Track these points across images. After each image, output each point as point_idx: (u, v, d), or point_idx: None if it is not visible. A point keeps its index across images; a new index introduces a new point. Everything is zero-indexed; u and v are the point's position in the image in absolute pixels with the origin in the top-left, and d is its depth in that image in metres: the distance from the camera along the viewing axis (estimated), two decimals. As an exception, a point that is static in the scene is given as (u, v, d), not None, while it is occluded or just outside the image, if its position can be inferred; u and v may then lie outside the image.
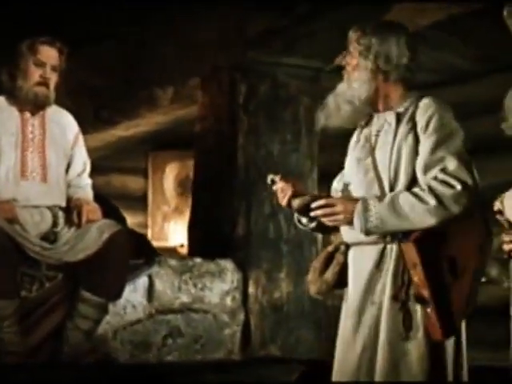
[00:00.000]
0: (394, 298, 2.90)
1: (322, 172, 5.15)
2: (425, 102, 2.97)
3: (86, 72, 5.60)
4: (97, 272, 4.14)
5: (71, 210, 4.32)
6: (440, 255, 2.86)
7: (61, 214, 4.32)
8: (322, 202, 2.98)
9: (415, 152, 2.94)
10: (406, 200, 2.87)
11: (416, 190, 2.89)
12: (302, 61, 5.03)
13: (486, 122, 6.70)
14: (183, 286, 4.73)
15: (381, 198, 2.91)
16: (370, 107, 3.07)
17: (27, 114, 4.34)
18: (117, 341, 4.51)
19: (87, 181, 4.52)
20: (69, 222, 4.30)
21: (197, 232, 5.24)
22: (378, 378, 2.93)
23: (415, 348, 2.89)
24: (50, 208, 4.30)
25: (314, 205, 2.98)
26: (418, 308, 2.88)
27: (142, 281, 4.59)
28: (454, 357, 2.95)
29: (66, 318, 4.20)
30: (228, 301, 4.88)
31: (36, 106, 4.32)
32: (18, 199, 4.21)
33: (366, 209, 2.89)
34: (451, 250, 2.87)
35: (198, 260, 4.84)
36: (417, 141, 2.95)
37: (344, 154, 3.22)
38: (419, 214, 2.85)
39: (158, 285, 4.65)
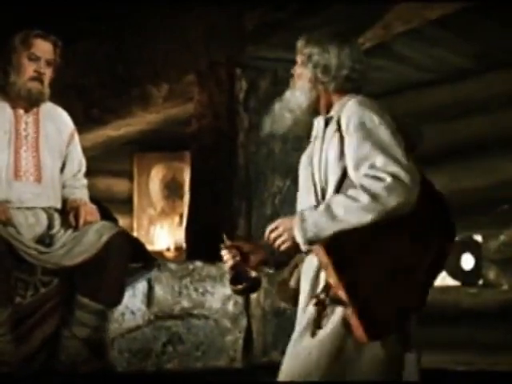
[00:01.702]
0: (314, 297, 2.89)
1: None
2: (348, 104, 2.97)
3: (75, 70, 5.38)
4: (95, 276, 3.94)
5: (67, 212, 4.12)
6: (370, 254, 2.80)
7: (56, 216, 4.12)
8: (266, 232, 2.99)
9: (341, 153, 2.93)
10: (339, 202, 2.84)
11: (350, 191, 2.85)
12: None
13: (483, 121, 6.64)
14: (184, 290, 4.54)
15: (316, 206, 2.91)
16: (313, 116, 3.09)
17: (20, 111, 4.14)
18: (115, 349, 4.32)
19: (83, 181, 4.34)
20: (65, 224, 4.09)
21: (195, 234, 5.06)
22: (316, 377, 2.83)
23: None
24: (44, 210, 4.10)
25: (265, 238, 3.00)
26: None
27: (141, 286, 4.40)
28: (401, 357, 2.85)
29: (63, 326, 4.00)
30: (230, 306, 4.71)
31: (30, 102, 4.12)
32: (11, 200, 4.01)
33: (302, 220, 2.88)
34: (390, 250, 2.81)
35: (199, 263, 4.66)
36: (342, 142, 2.94)
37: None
38: (354, 214, 2.80)
39: (158, 290, 4.47)
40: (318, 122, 3.09)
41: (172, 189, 8.45)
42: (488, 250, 6.95)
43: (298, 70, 3.12)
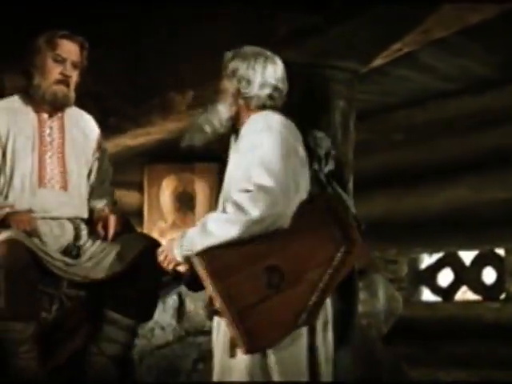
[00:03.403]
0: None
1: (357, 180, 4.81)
2: (248, 121, 3.08)
3: (92, 76, 5.17)
4: (126, 290, 3.73)
5: (95, 222, 3.90)
6: (248, 266, 2.85)
7: (83, 227, 3.91)
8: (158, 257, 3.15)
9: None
10: (212, 217, 2.95)
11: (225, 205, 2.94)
12: (339, 62, 4.64)
13: (506, 131, 6.49)
14: (215, 305, 4.32)
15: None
16: (231, 130, 3.18)
17: (44, 116, 3.93)
18: (143, 366, 4.11)
19: (110, 189, 4.11)
20: (92, 234, 3.87)
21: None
22: None
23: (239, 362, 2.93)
24: (70, 220, 3.88)
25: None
26: None
27: (172, 300, 4.18)
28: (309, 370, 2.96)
29: (90, 342, 3.77)
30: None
31: (54, 106, 3.91)
32: (34, 210, 3.79)
33: (181, 237, 3.02)
34: (272, 260, 2.85)
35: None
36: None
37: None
38: (221, 226, 2.87)
39: (189, 304, 4.27)
40: (231, 138, 3.21)
41: (183, 201, 8.26)
42: (510, 264, 6.80)
43: (222, 83, 3.19)
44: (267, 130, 2.99)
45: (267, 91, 3.14)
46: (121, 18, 5.24)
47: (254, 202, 2.82)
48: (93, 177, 4.04)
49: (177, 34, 5.11)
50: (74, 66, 3.91)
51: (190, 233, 2.98)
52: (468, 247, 7.11)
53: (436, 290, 7.46)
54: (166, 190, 8.31)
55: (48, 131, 3.92)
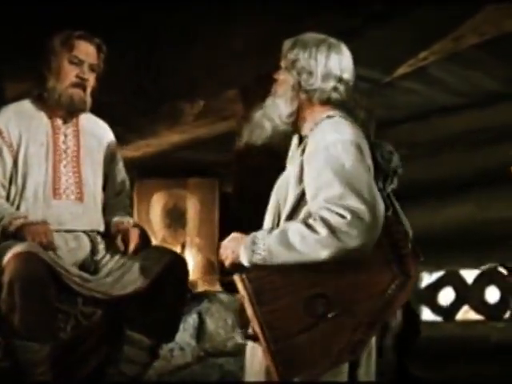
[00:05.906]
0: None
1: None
2: (320, 125, 2.79)
3: (98, 82, 4.94)
4: (148, 308, 3.51)
5: (113, 235, 3.67)
6: (293, 293, 2.65)
7: (100, 240, 3.68)
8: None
9: (300, 178, 2.77)
10: (296, 230, 2.65)
11: (309, 220, 2.64)
12: (363, 71, 4.45)
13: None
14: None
15: (271, 230, 2.73)
16: (293, 127, 2.90)
17: (58, 122, 3.71)
18: (162, 387, 3.87)
19: (126, 201, 3.89)
20: (110, 248, 3.64)
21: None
22: None
23: None
24: (86, 233, 3.65)
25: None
26: None
27: (191, 319, 3.96)
28: None
29: (108, 363, 3.53)
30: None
31: (70, 111, 3.69)
32: (49, 222, 3.54)
33: (253, 242, 2.69)
34: (321, 289, 2.65)
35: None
36: (302, 166, 2.77)
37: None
38: (310, 246, 2.61)
39: (209, 323, 4.06)
40: (293, 141, 2.94)
41: (174, 217, 8.05)
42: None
43: (281, 75, 2.91)
44: (342, 139, 2.70)
45: (331, 83, 2.84)
46: (132, 22, 5.00)
47: (352, 231, 2.56)
48: (108, 188, 3.81)
49: (193, 40, 4.88)
50: (92, 68, 3.71)
51: (266, 241, 2.66)
52: (471, 266, 6.96)
53: (436, 309, 7.29)
54: (156, 206, 8.09)
55: (62, 138, 3.70)
